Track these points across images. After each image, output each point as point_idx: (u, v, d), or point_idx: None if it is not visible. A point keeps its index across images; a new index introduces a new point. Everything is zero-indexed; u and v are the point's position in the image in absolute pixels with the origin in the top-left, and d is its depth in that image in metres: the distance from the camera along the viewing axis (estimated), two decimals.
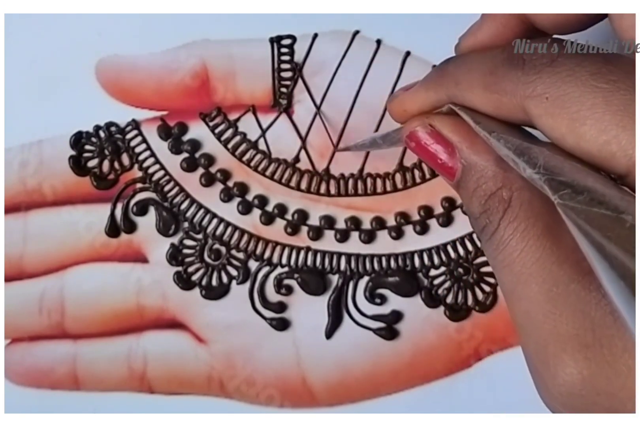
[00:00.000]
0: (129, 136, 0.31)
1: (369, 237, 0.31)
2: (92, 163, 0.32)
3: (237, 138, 0.31)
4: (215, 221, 0.31)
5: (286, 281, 0.31)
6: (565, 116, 0.20)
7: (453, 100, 0.23)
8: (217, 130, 0.31)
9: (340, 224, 0.31)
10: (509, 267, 0.21)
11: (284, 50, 0.31)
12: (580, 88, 0.20)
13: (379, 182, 0.31)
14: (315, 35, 0.31)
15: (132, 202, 0.32)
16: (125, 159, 0.32)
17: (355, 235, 0.31)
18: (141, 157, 0.32)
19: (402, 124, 0.25)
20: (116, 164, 0.32)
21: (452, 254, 0.31)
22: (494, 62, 0.21)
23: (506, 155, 0.20)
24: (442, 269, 0.31)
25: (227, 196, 0.31)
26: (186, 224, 0.31)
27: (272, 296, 0.31)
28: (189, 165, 0.31)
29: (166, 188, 0.32)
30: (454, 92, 0.22)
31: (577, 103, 0.19)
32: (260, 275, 0.31)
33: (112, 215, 0.31)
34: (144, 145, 0.32)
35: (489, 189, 0.22)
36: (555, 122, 0.20)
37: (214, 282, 0.31)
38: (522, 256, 0.21)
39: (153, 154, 0.32)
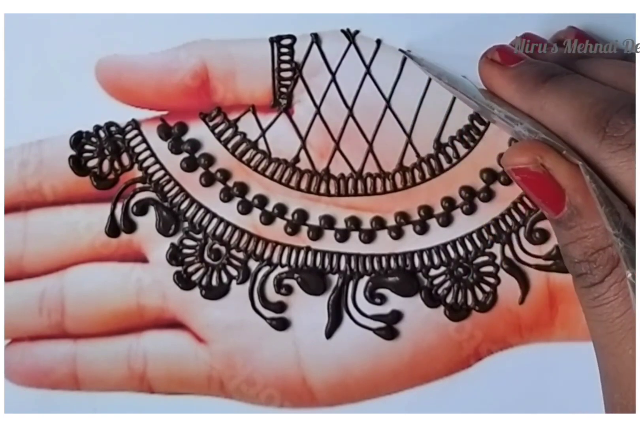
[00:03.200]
0: (129, 136, 0.31)
1: (369, 237, 0.31)
2: (92, 163, 0.32)
3: (237, 138, 0.31)
4: (215, 220, 0.31)
5: (286, 281, 0.31)
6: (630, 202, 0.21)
7: (533, 116, 0.24)
8: (217, 130, 0.31)
9: (340, 224, 0.31)
10: (605, 323, 0.22)
11: (284, 50, 0.31)
12: None
13: (379, 182, 0.31)
14: (316, 35, 0.31)
15: (132, 202, 0.32)
16: (125, 159, 0.32)
17: (355, 235, 0.31)
18: (141, 157, 0.32)
19: (487, 87, 0.26)
20: (116, 164, 0.32)
21: (452, 254, 0.31)
22: (581, 116, 0.22)
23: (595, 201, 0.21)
24: (442, 269, 0.31)
25: (227, 196, 0.31)
26: (186, 224, 0.31)
27: (272, 295, 0.31)
28: (189, 165, 0.31)
29: (166, 188, 0.32)
30: (537, 113, 0.24)
31: None
32: (260, 275, 0.31)
33: (112, 215, 0.31)
34: (144, 145, 0.32)
35: (599, 244, 0.22)
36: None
37: (214, 282, 0.31)
38: (622, 319, 0.21)
39: (153, 154, 0.32)
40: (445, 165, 0.31)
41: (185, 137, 0.31)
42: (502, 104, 0.25)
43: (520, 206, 0.31)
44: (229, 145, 0.31)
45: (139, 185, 0.32)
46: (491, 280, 0.31)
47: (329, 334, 0.31)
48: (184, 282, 0.31)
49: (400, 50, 0.30)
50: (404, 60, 0.31)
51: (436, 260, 0.31)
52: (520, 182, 0.23)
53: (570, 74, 0.25)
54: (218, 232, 0.31)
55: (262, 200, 0.31)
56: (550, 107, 0.23)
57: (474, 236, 0.31)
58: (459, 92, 0.27)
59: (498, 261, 0.31)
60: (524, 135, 0.24)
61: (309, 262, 0.31)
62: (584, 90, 0.23)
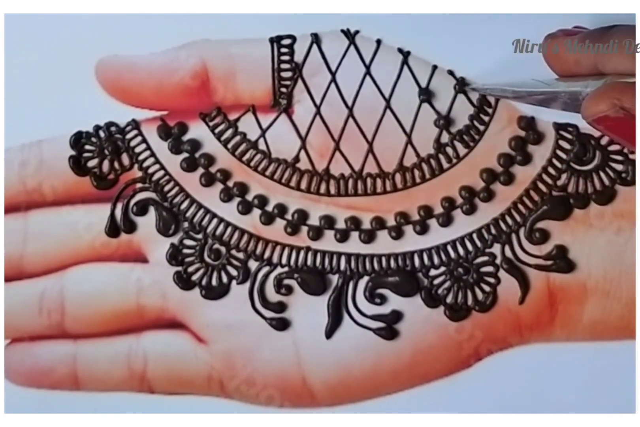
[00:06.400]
0: (129, 136, 0.31)
1: (369, 237, 0.31)
2: (92, 163, 0.32)
3: (237, 138, 0.31)
4: (215, 220, 0.31)
5: (286, 281, 0.31)
6: None
7: (599, 60, 0.24)
8: (217, 130, 0.31)
9: (340, 224, 0.31)
10: None
11: (284, 50, 0.31)
12: None
13: (379, 182, 0.31)
14: (316, 35, 0.31)
15: (132, 202, 0.32)
16: (125, 159, 0.32)
17: (355, 235, 0.31)
18: (141, 157, 0.32)
19: (551, 62, 0.27)
20: (116, 164, 0.32)
21: (452, 254, 0.31)
22: None
23: None
24: (442, 269, 0.31)
25: (227, 196, 0.31)
26: (186, 224, 0.31)
27: (272, 296, 0.31)
28: (189, 165, 0.31)
29: (166, 188, 0.32)
30: (609, 50, 0.24)
31: None
32: (260, 275, 0.31)
33: (112, 215, 0.31)
34: (144, 145, 0.32)
35: None
36: None
37: (214, 282, 0.31)
38: None
39: (153, 154, 0.32)
40: (445, 165, 0.31)
41: (185, 137, 0.31)
42: (564, 80, 0.26)
43: (520, 206, 0.31)
44: (229, 146, 0.31)
45: (139, 185, 0.32)
46: (491, 280, 0.31)
47: (329, 334, 0.31)
48: (184, 282, 0.31)
49: (458, 81, 0.31)
50: (404, 60, 0.31)
51: (436, 260, 0.31)
52: (605, 130, 0.23)
53: None
54: (218, 232, 0.31)
55: (262, 200, 0.31)
56: (619, 39, 0.23)
57: (474, 235, 0.31)
58: (525, 93, 0.27)
59: (498, 261, 0.31)
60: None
61: (309, 262, 0.31)
62: None
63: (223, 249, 0.31)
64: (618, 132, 0.23)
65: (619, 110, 0.22)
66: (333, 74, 0.31)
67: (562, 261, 0.31)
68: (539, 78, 0.28)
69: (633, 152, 0.26)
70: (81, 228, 0.31)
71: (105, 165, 0.32)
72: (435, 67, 0.31)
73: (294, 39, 0.31)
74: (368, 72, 0.31)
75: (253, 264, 0.31)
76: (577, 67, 0.25)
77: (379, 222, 0.31)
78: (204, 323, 0.31)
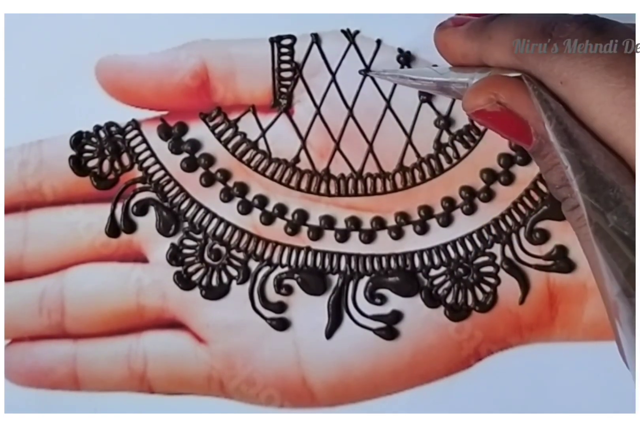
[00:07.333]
0: (129, 136, 0.31)
1: (369, 237, 0.31)
2: (92, 163, 0.32)
3: (237, 138, 0.31)
4: (215, 221, 0.31)
5: (286, 281, 0.31)
6: (577, 107, 0.21)
7: (482, 53, 0.24)
8: (217, 130, 0.31)
9: (340, 224, 0.31)
10: (591, 241, 0.21)
11: (284, 50, 0.31)
12: (593, 80, 0.21)
13: (379, 182, 0.31)
14: (316, 35, 0.31)
15: (132, 202, 0.32)
16: (125, 159, 0.32)
17: (355, 235, 0.31)
18: (141, 157, 0.32)
19: (443, 53, 0.26)
20: (116, 164, 0.32)
21: (452, 254, 0.31)
22: (528, 29, 0.22)
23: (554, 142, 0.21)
24: (442, 269, 0.31)
25: (227, 196, 0.31)
26: (186, 224, 0.31)
27: (272, 296, 0.31)
28: (189, 165, 0.31)
29: (166, 188, 0.32)
30: (485, 46, 0.23)
31: (587, 97, 0.21)
32: (260, 275, 0.31)
33: (112, 215, 0.31)
34: (144, 145, 0.32)
35: None
36: (570, 107, 0.21)
37: (214, 282, 0.31)
38: None
39: (153, 154, 0.32)
40: (446, 165, 0.31)
41: (186, 137, 0.31)
42: (456, 69, 0.26)
43: (520, 206, 0.31)
44: (229, 146, 0.31)
45: (139, 185, 0.32)
46: (491, 280, 0.31)
47: (329, 334, 0.31)
48: (184, 282, 0.31)
49: (361, 71, 0.31)
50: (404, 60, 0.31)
51: (436, 260, 0.31)
52: (485, 124, 0.23)
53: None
54: (218, 232, 0.31)
55: (262, 201, 0.31)
56: (498, 32, 0.23)
57: (474, 236, 0.31)
58: (421, 81, 0.27)
59: (498, 261, 0.31)
60: None
61: (309, 262, 0.31)
62: (530, 14, 0.23)
63: (223, 249, 0.31)
64: (497, 126, 0.23)
65: (496, 105, 0.22)
66: (333, 74, 0.31)
67: (562, 261, 0.31)
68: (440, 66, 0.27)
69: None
70: (81, 228, 0.31)
71: (106, 165, 0.32)
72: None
73: (294, 39, 0.31)
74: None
75: (253, 264, 0.31)
76: (465, 59, 0.25)
77: (379, 222, 0.31)
78: (204, 323, 0.31)
